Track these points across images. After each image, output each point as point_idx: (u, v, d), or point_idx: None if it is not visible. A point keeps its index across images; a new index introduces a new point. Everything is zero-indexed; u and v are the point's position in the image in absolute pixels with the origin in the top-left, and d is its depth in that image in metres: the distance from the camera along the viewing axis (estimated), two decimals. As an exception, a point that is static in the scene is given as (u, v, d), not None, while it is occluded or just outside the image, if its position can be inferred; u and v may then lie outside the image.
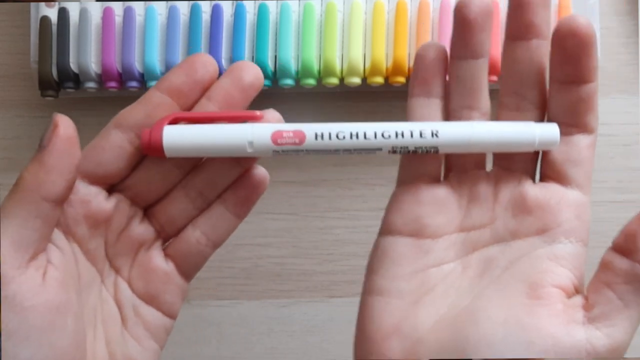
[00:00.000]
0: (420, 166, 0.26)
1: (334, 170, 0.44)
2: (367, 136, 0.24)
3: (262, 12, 0.41)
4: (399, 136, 0.24)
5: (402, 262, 0.26)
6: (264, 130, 0.24)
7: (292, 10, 0.41)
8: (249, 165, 0.26)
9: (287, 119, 0.44)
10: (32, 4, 0.42)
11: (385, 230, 0.27)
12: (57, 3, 0.42)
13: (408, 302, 0.25)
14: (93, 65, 0.41)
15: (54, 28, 0.41)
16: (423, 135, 0.24)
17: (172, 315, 0.27)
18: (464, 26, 0.24)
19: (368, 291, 0.27)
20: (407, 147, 0.25)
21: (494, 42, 0.40)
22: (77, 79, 0.42)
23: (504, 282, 0.24)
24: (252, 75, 0.25)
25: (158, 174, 0.25)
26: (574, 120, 0.25)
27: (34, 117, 0.44)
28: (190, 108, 0.25)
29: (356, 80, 0.41)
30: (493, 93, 0.46)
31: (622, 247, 0.26)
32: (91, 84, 0.42)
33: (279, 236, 0.44)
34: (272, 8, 0.41)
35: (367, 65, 0.41)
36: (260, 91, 0.42)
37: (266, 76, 0.41)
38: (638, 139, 0.43)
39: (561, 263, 0.26)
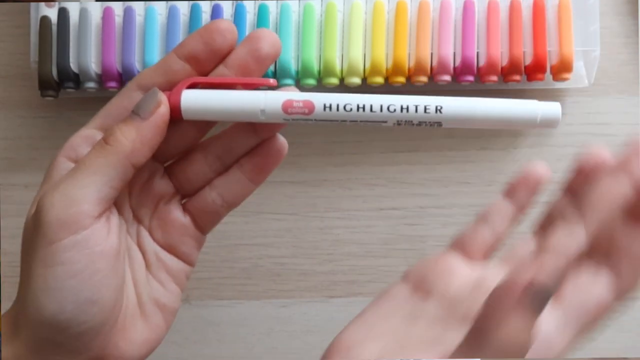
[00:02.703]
0: None
1: (334, 170, 0.44)
2: (373, 109, 0.25)
3: (262, 12, 0.41)
4: (404, 110, 0.25)
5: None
6: (276, 99, 0.25)
7: (292, 10, 0.41)
8: (268, 135, 0.28)
9: (287, 119, 0.44)
10: (32, 4, 0.42)
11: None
12: (57, 3, 0.42)
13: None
14: (93, 65, 0.41)
15: (54, 28, 0.41)
16: (427, 110, 0.25)
17: (190, 263, 0.29)
18: None
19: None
20: (411, 121, 0.25)
21: (494, 42, 0.40)
22: (77, 79, 0.42)
23: None
24: (269, 45, 0.26)
25: (176, 133, 0.27)
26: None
27: (34, 117, 0.44)
28: (207, 73, 0.26)
29: (356, 81, 0.41)
30: (493, 93, 0.46)
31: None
32: (91, 84, 0.42)
33: (279, 236, 0.44)
34: (272, 8, 0.41)
35: (367, 65, 0.41)
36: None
37: (266, 76, 0.41)
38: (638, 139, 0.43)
39: None
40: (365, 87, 0.42)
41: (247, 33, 0.41)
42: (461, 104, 0.25)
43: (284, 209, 0.44)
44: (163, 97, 0.25)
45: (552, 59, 0.41)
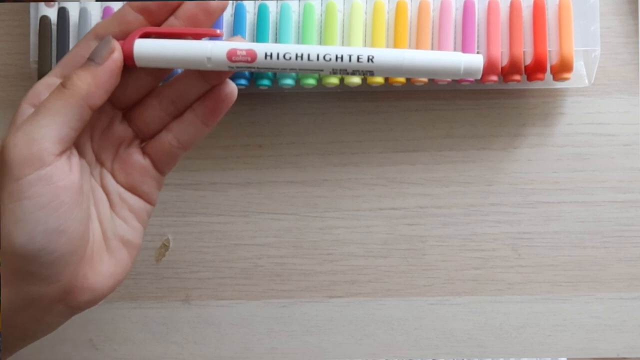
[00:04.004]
0: None
1: (334, 170, 0.44)
2: (310, 58, 0.27)
3: (262, 12, 0.41)
4: (339, 60, 0.27)
5: None
6: (221, 47, 0.28)
7: (292, 10, 0.41)
8: (217, 81, 0.30)
9: (287, 119, 0.44)
10: (32, 4, 0.42)
11: None
12: (56, 3, 0.42)
13: None
14: (93, 65, 0.41)
15: (54, 28, 0.41)
16: (360, 60, 0.27)
17: (151, 202, 0.32)
18: None
19: None
20: (345, 70, 0.28)
21: (494, 42, 0.40)
22: (77, 79, 0.42)
23: None
24: (217, 1, 0.28)
25: (132, 80, 0.29)
26: None
27: (33, 117, 0.44)
28: (160, 24, 0.29)
29: (356, 80, 0.41)
30: (493, 93, 0.46)
31: None
32: (91, 84, 0.42)
33: (279, 236, 0.44)
34: (272, 8, 0.41)
35: (367, 65, 0.41)
36: (260, 91, 0.42)
37: (266, 76, 0.41)
38: (638, 139, 0.43)
39: None
40: (366, 87, 0.42)
41: (247, 33, 0.41)
42: (391, 55, 0.27)
43: (284, 209, 0.44)
44: (116, 45, 0.27)
45: (552, 59, 0.41)
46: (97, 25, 0.29)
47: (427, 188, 0.44)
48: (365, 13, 0.41)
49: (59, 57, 0.41)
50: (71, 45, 0.41)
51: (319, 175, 0.44)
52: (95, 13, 0.41)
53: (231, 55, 0.27)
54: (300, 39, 0.41)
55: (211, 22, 0.29)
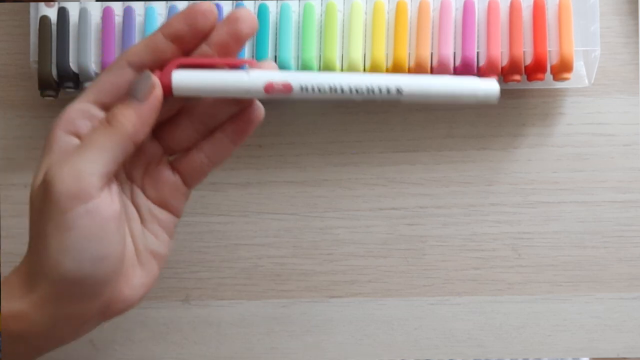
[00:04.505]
0: None
1: (334, 170, 0.44)
2: (343, 90, 0.29)
3: (262, 12, 0.41)
4: (370, 92, 0.29)
5: None
6: (259, 80, 0.29)
7: (292, 10, 0.41)
8: (248, 103, 0.31)
9: (287, 119, 0.44)
10: (32, 4, 0.42)
11: None
12: (56, 3, 0.42)
13: None
14: (93, 65, 0.41)
15: (54, 28, 0.41)
16: (390, 92, 0.29)
17: (179, 215, 0.32)
18: None
19: None
20: (375, 100, 0.29)
21: (494, 42, 0.40)
22: (76, 79, 0.42)
23: None
24: (247, 27, 0.28)
25: (165, 103, 0.29)
26: None
27: (33, 117, 0.44)
28: (191, 51, 0.29)
29: (356, 80, 0.41)
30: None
31: None
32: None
33: (279, 236, 0.44)
34: (272, 8, 0.41)
35: (367, 65, 0.41)
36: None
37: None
38: (638, 139, 0.43)
39: None
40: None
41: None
42: (418, 85, 0.29)
43: (284, 209, 0.44)
44: (156, 80, 0.28)
45: (552, 59, 0.41)
46: (129, 52, 0.29)
47: (427, 188, 0.44)
48: (365, 13, 0.41)
49: (59, 57, 0.41)
50: (71, 46, 0.41)
51: (319, 175, 0.44)
52: (95, 13, 0.41)
53: (268, 88, 0.29)
54: (300, 39, 0.41)
55: (241, 47, 0.29)
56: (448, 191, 0.44)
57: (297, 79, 0.29)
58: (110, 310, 0.30)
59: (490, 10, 0.41)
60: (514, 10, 0.40)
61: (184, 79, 0.28)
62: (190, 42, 0.28)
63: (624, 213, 0.43)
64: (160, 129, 0.31)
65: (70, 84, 0.41)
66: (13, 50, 0.44)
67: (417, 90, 0.29)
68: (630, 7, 0.44)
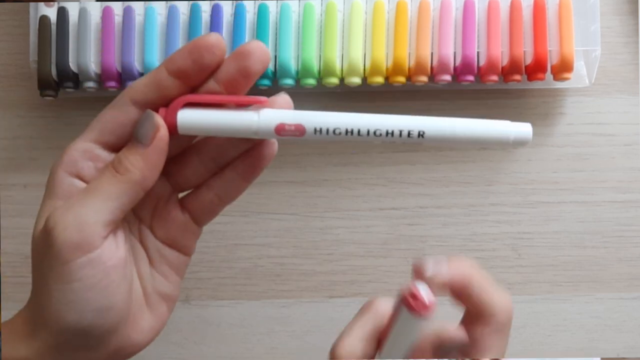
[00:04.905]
0: None
1: (334, 170, 0.44)
2: (360, 133, 0.26)
3: (262, 12, 0.41)
4: (389, 135, 0.27)
5: None
6: (269, 121, 0.26)
7: (292, 10, 0.41)
8: (260, 141, 0.29)
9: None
10: (32, 4, 0.42)
11: None
12: (56, 3, 0.41)
13: None
14: (92, 65, 0.41)
15: (54, 28, 0.41)
16: (411, 135, 0.26)
17: (189, 254, 0.31)
18: None
19: None
20: (394, 142, 0.27)
21: (495, 42, 0.40)
22: (76, 79, 0.42)
23: None
24: (258, 62, 0.26)
25: (171, 141, 0.27)
26: None
27: (33, 117, 0.44)
28: (197, 87, 0.27)
29: (356, 80, 0.41)
30: (493, 93, 0.46)
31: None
32: (90, 84, 0.42)
33: (279, 236, 0.44)
34: (272, 8, 0.41)
35: (367, 65, 0.41)
36: (260, 91, 0.42)
37: (266, 76, 0.41)
38: (638, 139, 0.43)
39: None
40: (366, 87, 0.42)
41: (247, 33, 0.41)
42: (441, 128, 0.27)
43: (284, 209, 0.44)
44: (160, 122, 0.26)
45: (552, 59, 0.41)
46: (132, 88, 0.27)
47: (427, 188, 0.44)
48: (365, 13, 0.41)
49: (59, 57, 0.41)
50: (71, 46, 0.41)
51: (319, 175, 0.44)
52: (95, 13, 0.41)
53: (279, 129, 0.26)
54: (300, 38, 0.41)
55: (250, 84, 0.27)
56: (448, 191, 0.44)
57: (311, 120, 0.26)
58: (118, 356, 0.29)
59: (491, 10, 0.41)
60: (514, 10, 0.40)
61: (190, 118, 0.26)
62: (195, 79, 0.26)
63: (624, 213, 0.43)
64: (168, 166, 0.28)
65: (70, 84, 0.41)
66: (13, 50, 0.44)
67: (441, 135, 0.27)
68: (630, 7, 0.44)
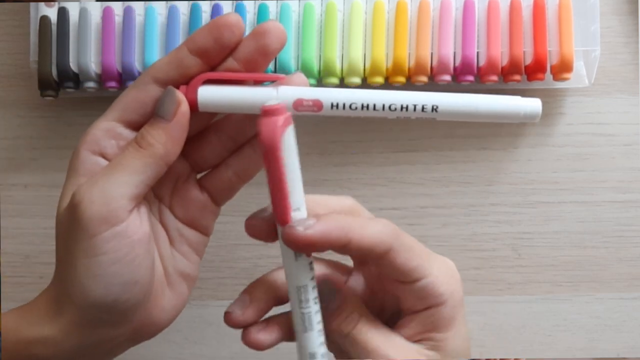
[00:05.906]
0: None
1: (334, 170, 0.44)
2: (376, 107, 0.27)
3: (261, 12, 0.41)
4: (404, 109, 0.27)
5: None
6: (288, 96, 0.27)
7: (292, 10, 0.41)
8: None
9: (287, 119, 0.44)
10: (32, 4, 0.42)
11: None
12: (56, 3, 0.41)
13: None
14: (93, 65, 0.41)
15: (54, 28, 0.41)
16: (425, 109, 0.27)
17: (208, 234, 0.31)
18: None
19: None
20: (409, 117, 0.28)
21: (494, 42, 0.40)
22: (76, 79, 0.42)
23: None
24: (275, 40, 0.27)
25: (191, 119, 0.28)
26: None
27: (33, 117, 0.44)
28: (217, 65, 0.27)
29: (356, 80, 0.41)
30: (493, 93, 0.46)
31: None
32: (91, 84, 0.42)
33: (279, 236, 0.44)
34: (272, 8, 0.41)
35: (367, 65, 0.41)
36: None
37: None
38: (638, 139, 0.43)
39: None
40: (366, 87, 0.42)
41: (247, 33, 0.41)
42: (455, 102, 0.27)
43: (284, 209, 0.44)
44: (182, 97, 0.27)
45: (552, 59, 0.41)
46: (154, 67, 0.27)
47: (427, 188, 0.44)
48: (365, 13, 0.41)
49: (59, 57, 0.41)
50: (71, 46, 0.41)
51: (319, 175, 0.44)
52: (95, 13, 0.41)
53: (298, 105, 0.27)
54: (300, 39, 0.41)
55: (269, 62, 0.28)
56: (448, 191, 0.44)
57: (328, 95, 0.27)
58: (140, 335, 0.29)
59: (490, 10, 0.41)
60: (514, 10, 0.40)
61: (210, 94, 0.27)
62: (215, 57, 0.27)
63: (624, 213, 0.43)
64: (187, 145, 0.29)
65: (70, 84, 0.41)
66: (13, 50, 0.44)
67: (454, 109, 0.27)
68: (630, 7, 0.44)
